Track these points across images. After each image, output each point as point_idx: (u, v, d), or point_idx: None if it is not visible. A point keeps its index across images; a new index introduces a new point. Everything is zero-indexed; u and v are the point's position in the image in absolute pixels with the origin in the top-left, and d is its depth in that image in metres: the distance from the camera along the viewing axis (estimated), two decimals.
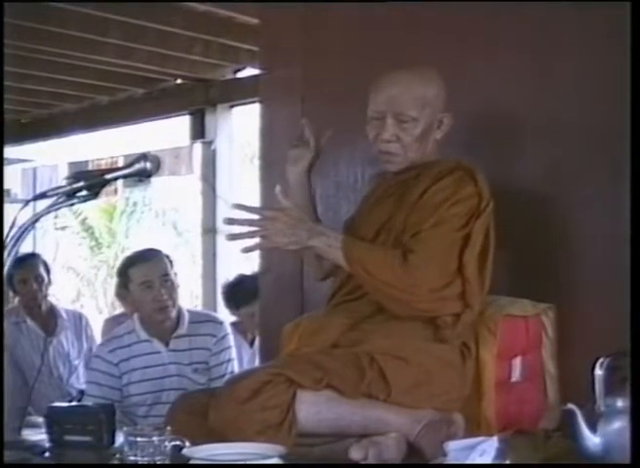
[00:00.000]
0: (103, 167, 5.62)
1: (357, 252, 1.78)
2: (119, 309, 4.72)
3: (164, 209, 9.92)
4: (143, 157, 1.51)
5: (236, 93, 4.93)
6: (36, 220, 1.43)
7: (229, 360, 2.70)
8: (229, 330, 2.79)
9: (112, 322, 3.72)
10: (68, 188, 1.46)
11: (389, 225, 1.85)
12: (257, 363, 3.15)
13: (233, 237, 1.75)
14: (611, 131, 2.04)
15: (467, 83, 2.00)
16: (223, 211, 5.14)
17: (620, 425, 1.49)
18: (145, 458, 1.43)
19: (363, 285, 1.81)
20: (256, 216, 1.76)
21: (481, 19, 2.27)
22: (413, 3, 2.38)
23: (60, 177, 6.19)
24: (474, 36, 2.29)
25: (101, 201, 8.73)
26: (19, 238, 1.39)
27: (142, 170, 1.50)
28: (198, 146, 5.26)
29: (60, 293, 7.49)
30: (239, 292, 3.48)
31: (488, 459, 1.47)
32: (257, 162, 3.63)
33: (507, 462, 1.48)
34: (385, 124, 1.84)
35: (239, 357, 2.85)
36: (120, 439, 1.75)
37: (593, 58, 2.11)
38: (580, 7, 2.08)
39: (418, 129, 1.84)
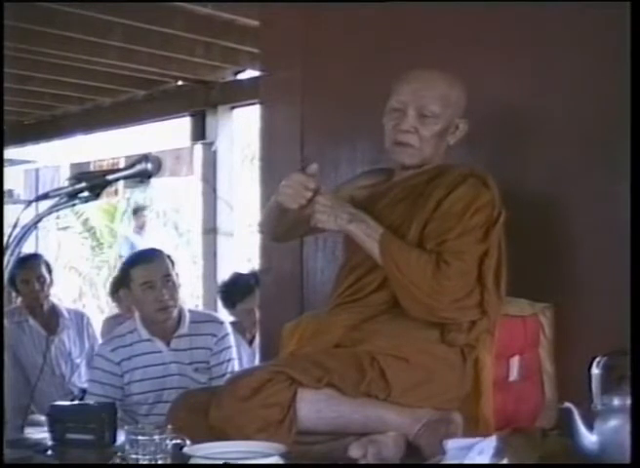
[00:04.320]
0: (105, 168, 5.64)
1: (393, 247, 1.78)
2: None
3: (165, 209, 9.93)
4: (145, 158, 1.51)
5: (237, 94, 4.95)
6: (38, 221, 1.44)
7: (230, 359, 2.71)
8: (230, 329, 2.80)
9: (111, 321, 3.73)
10: (70, 189, 1.46)
11: (401, 232, 1.84)
12: (256, 362, 3.16)
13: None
14: (611, 131, 2.04)
15: (467, 83, 2.01)
16: (224, 211, 5.17)
17: (616, 423, 1.50)
18: (147, 457, 1.44)
19: (390, 281, 1.80)
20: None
21: (481, 20, 2.28)
22: (412, 3, 2.39)
23: (62, 178, 6.21)
24: (474, 36, 2.30)
25: (103, 202, 8.73)
26: (21, 238, 1.40)
27: (144, 171, 1.50)
28: (199, 147, 5.28)
29: (62, 293, 7.50)
30: (235, 290, 3.50)
31: (486, 458, 1.48)
32: (257, 163, 3.64)
33: (505, 461, 1.48)
34: (406, 115, 1.84)
35: (238, 356, 2.86)
36: (121, 437, 1.76)
37: (593, 57, 2.12)
38: (580, 7, 2.09)
39: (437, 126, 1.85)
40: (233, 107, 5.17)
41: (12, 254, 1.40)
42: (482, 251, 1.79)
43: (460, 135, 1.90)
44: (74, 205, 1.49)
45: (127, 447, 1.46)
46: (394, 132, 1.86)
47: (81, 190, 1.47)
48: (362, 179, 2.04)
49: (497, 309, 1.84)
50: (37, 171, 6.63)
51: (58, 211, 1.50)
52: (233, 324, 3.27)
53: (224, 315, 3.42)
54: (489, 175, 1.86)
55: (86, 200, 1.48)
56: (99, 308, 8.99)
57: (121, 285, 2.91)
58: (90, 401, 2.51)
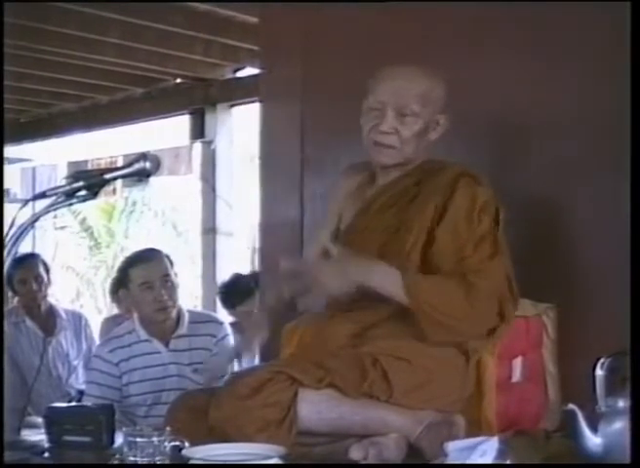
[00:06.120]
0: (103, 166, 5.62)
1: (422, 286, 1.73)
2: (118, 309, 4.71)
3: (163, 209, 9.91)
4: (143, 157, 1.50)
5: (236, 92, 4.93)
6: (35, 220, 1.42)
7: None
8: (230, 330, 2.79)
9: (110, 322, 3.72)
10: (68, 188, 1.45)
11: (398, 240, 1.80)
12: (256, 362, 3.14)
13: (290, 292, 1.76)
14: (611, 131, 2.04)
15: (467, 83, 2.00)
16: (223, 210, 5.15)
17: (621, 425, 1.48)
18: (145, 459, 1.43)
19: (418, 318, 1.73)
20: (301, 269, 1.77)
21: (482, 20, 2.27)
22: (413, 4, 2.38)
23: (60, 177, 6.19)
24: (475, 36, 2.29)
25: (101, 201, 8.72)
26: (18, 238, 1.39)
27: (142, 169, 1.49)
28: (198, 146, 5.26)
29: (60, 293, 7.48)
30: (235, 291, 3.49)
31: (488, 460, 1.47)
32: (256, 161, 3.63)
33: (508, 463, 1.47)
34: (385, 115, 1.80)
35: None
36: (119, 439, 1.74)
37: (593, 57, 2.11)
38: (580, 7, 2.08)
39: (417, 125, 1.81)
40: (232, 105, 5.15)
41: (9, 254, 1.38)
42: (498, 261, 1.76)
43: (442, 130, 1.86)
44: (72, 204, 1.48)
45: (125, 449, 1.45)
46: (373, 132, 1.83)
47: (79, 189, 1.45)
48: (346, 180, 1.98)
49: (513, 314, 1.82)
50: (34, 169, 6.60)
51: (55, 210, 1.48)
52: (233, 324, 3.26)
53: (224, 315, 3.41)
54: (480, 174, 1.83)
55: (84, 199, 1.47)
56: (96, 309, 8.97)
57: (120, 285, 2.89)
58: (87, 402, 2.49)
